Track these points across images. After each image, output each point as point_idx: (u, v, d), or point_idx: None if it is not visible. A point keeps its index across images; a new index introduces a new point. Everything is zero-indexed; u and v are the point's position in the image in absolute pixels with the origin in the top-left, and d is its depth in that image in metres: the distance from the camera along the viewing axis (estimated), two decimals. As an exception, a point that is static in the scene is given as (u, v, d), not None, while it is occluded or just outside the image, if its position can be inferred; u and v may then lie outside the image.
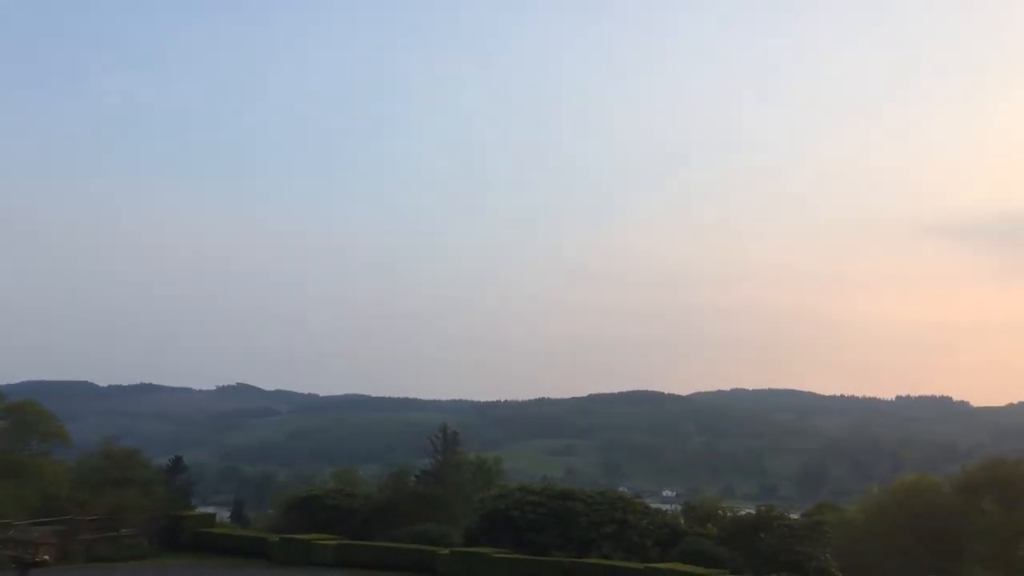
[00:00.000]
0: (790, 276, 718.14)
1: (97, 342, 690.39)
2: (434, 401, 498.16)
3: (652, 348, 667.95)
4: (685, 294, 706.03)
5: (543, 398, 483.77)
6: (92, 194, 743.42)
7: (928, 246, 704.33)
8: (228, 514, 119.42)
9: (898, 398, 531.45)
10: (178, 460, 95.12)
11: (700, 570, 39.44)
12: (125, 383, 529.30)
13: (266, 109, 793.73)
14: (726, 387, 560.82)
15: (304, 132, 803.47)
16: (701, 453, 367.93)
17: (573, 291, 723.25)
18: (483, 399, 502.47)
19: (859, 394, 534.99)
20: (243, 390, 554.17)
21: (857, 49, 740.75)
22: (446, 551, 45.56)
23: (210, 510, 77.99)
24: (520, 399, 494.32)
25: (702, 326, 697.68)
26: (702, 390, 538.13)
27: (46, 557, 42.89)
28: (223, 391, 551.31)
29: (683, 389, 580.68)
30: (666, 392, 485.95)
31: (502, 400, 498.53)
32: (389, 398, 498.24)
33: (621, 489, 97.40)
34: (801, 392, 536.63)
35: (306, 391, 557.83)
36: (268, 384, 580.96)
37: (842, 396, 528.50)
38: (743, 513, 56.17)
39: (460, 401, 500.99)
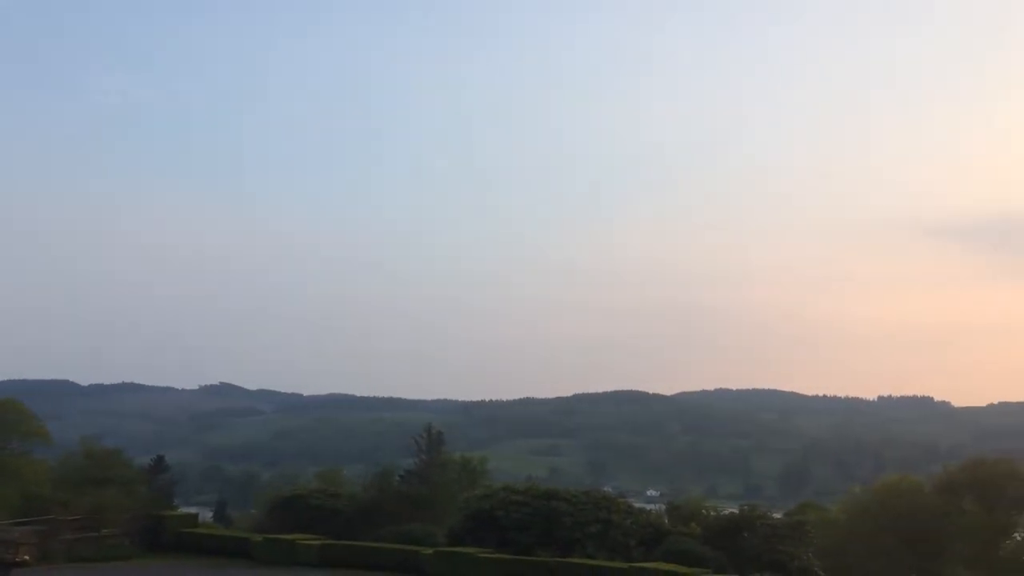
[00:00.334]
0: (774, 277, 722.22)
1: (80, 341, 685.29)
2: (419, 401, 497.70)
3: (637, 348, 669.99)
4: (670, 294, 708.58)
5: (528, 398, 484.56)
6: (83, 194, 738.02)
7: (910, 248, 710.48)
8: (211, 514, 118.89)
9: (880, 398, 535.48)
10: (160, 460, 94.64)
11: (684, 569, 39.61)
12: (107, 382, 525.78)
13: (262, 109, 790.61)
14: (710, 387, 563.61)
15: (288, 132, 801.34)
16: (685, 453, 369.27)
17: (559, 291, 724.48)
18: (468, 399, 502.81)
19: (842, 394, 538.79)
20: (226, 389, 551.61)
21: (855, 49, 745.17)
22: (430, 551, 45.54)
23: (193, 510, 77.62)
24: (505, 399, 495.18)
25: (687, 326, 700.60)
26: (686, 390, 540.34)
27: (26, 557, 42.62)
28: (206, 390, 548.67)
29: (668, 389, 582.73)
30: (651, 392, 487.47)
31: (487, 400, 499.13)
32: (373, 397, 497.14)
33: (606, 489, 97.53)
34: (784, 392, 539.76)
35: (290, 390, 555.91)
36: (251, 384, 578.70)
37: (825, 396, 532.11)
38: (727, 513, 56.43)
39: (445, 401, 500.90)
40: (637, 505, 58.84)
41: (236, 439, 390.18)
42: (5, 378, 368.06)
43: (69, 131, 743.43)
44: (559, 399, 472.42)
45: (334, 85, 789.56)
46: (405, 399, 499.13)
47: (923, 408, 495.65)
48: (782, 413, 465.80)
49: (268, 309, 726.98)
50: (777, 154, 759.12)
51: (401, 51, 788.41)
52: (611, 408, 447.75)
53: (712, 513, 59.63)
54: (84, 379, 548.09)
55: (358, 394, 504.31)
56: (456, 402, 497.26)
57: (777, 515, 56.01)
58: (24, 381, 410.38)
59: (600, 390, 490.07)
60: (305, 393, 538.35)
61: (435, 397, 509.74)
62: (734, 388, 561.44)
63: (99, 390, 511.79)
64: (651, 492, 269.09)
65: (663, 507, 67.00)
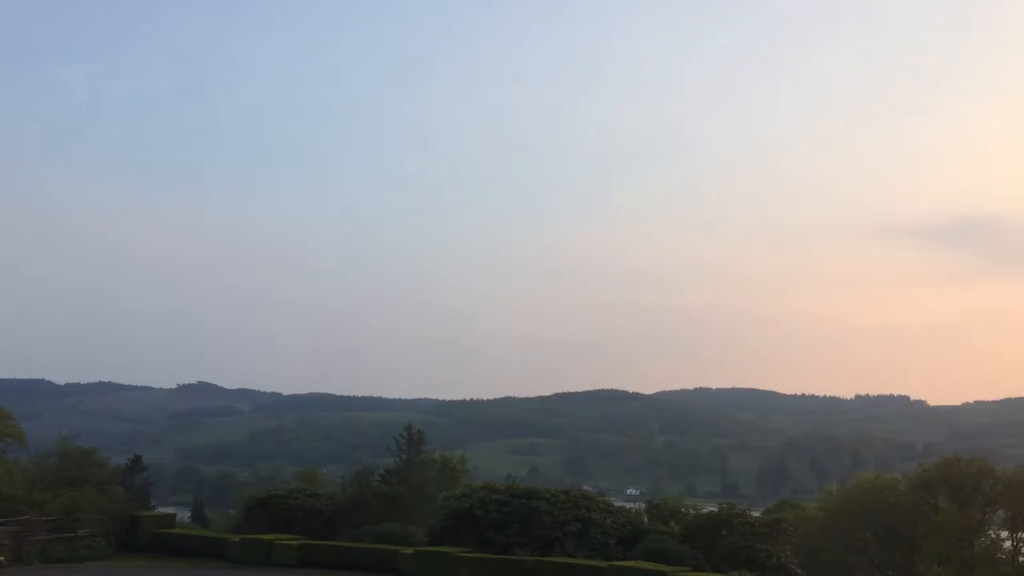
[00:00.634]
0: (752, 277, 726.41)
1: (56, 339, 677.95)
2: (399, 400, 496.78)
3: (617, 348, 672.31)
4: (650, 295, 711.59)
5: (508, 397, 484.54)
6: (55, 192, 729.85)
7: (887, 248, 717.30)
8: (188, 515, 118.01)
9: (857, 397, 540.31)
10: (137, 460, 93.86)
11: (662, 567, 39.77)
12: (84, 381, 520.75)
13: (239, 105, 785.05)
14: (690, 386, 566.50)
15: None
16: (665, 452, 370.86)
17: (539, 291, 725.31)
18: (448, 398, 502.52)
19: (819, 393, 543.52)
20: (204, 388, 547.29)
21: (821, 54, 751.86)
22: (409, 550, 45.45)
23: (170, 511, 76.97)
24: (485, 398, 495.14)
25: (666, 326, 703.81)
26: (666, 389, 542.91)
27: (0, 558, 42.10)
28: (184, 389, 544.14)
29: (647, 388, 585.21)
30: (631, 391, 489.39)
31: (467, 399, 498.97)
32: (353, 397, 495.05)
33: (585, 488, 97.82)
34: (763, 391, 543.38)
35: (269, 389, 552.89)
36: (230, 383, 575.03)
37: (803, 395, 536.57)
38: (705, 511, 56.70)
39: (425, 400, 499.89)
40: (616, 504, 58.95)
41: (214, 439, 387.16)
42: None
43: (28, 126, 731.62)
44: (539, 398, 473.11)
45: (298, 82, 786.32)
46: (385, 398, 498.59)
47: (899, 407, 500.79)
48: (760, 412, 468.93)
49: (247, 308, 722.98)
50: (758, 158, 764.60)
51: (377, 45, 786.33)
52: (591, 407, 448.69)
53: (691, 512, 59.93)
54: (60, 378, 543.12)
55: (338, 393, 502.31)
56: (436, 401, 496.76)
57: (755, 513, 56.39)
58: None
59: (580, 389, 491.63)
60: (284, 392, 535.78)
61: (415, 396, 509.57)
62: (713, 387, 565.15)
63: (75, 389, 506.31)
64: (630, 491, 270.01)
65: (642, 506, 67.22)
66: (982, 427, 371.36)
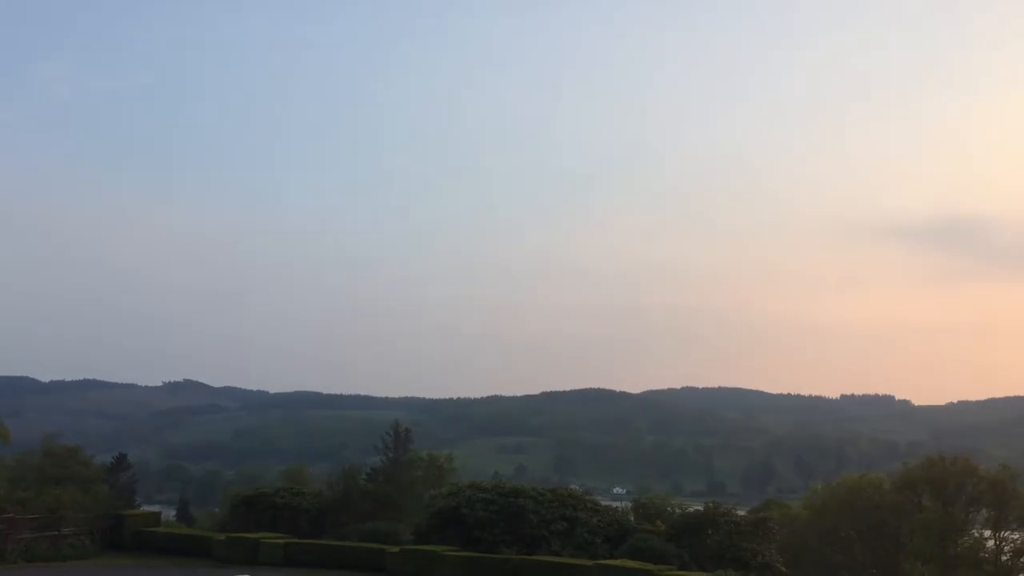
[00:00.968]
0: (739, 277, 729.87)
1: (40, 336, 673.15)
2: (386, 398, 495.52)
3: (604, 346, 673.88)
4: (638, 294, 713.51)
5: (495, 395, 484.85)
6: (38, 187, 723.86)
7: (872, 249, 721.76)
8: (174, 513, 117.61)
9: (842, 396, 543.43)
10: (122, 458, 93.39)
11: (648, 566, 39.83)
12: (68, 378, 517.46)
13: (220, 102, 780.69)
14: (677, 385, 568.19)
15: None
16: (651, 450, 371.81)
17: (527, 290, 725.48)
18: (435, 396, 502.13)
19: (805, 392, 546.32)
20: (190, 386, 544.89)
21: (804, 56, 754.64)
22: (396, 549, 45.36)
23: (155, 509, 76.61)
24: (472, 396, 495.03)
25: (654, 325, 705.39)
26: (653, 388, 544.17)
27: (-18, 557, 41.77)
28: (169, 387, 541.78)
29: (634, 387, 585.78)
30: (618, 390, 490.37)
31: (454, 398, 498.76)
32: (340, 395, 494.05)
33: (572, 486, 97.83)
34: (749, 390, 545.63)
35: (255, 388, 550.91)
36: (216, 380, 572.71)
37: (789, 394, 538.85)
38: (691, 510, 56.81)
39: (412, 398, 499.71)
40: (603, 503, 58.98)
41: (199, 437, 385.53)
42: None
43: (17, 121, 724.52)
44: (527, 397, 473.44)
45: (274, 81, 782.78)
46: (372, 396, 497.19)
47: (884, 406, 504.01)
48: (747, 411, 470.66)
49: (234, 305, 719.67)
50: (744, 157, 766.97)
51: (359, 44, 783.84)
52: (578, 406, 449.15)
53: (677, 510, 60.05)
54: (44, 375, 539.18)
55: (324, 391, 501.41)
56: (423, 400, 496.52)
57: (741, 512, 56.51)
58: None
59: (567, 388, 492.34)
60: (270, 390, 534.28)
61: (402, 395, 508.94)
62: (700, 386, 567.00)
63: (60, 387, 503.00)
64: (617, 490, 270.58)
65: (628, 504, 67.33)
66: (966, 427, 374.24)
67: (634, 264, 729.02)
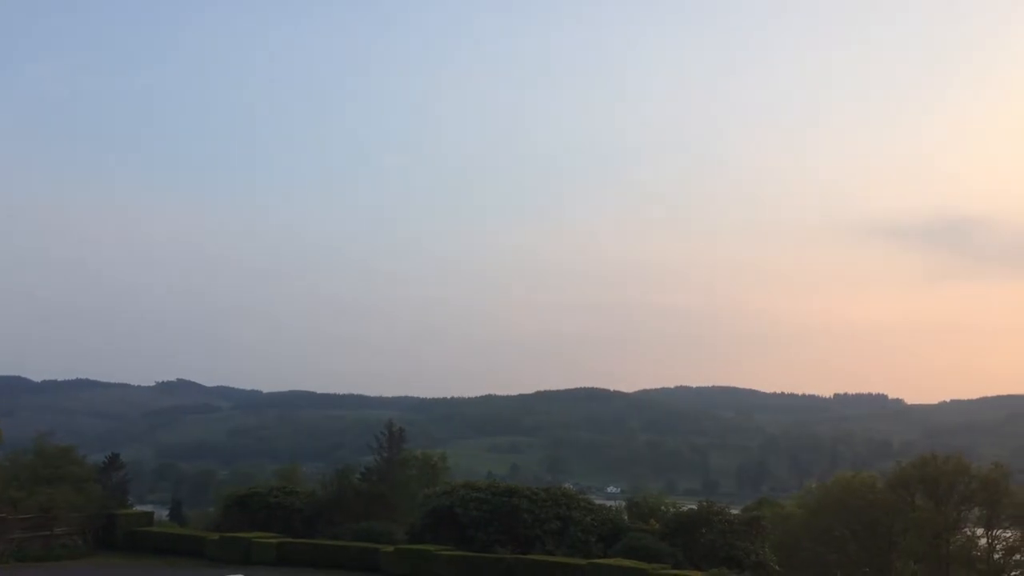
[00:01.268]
0: (734, 276, 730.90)
1: (33, 335, 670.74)
2: (380, 398, 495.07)
3: (598, 345, 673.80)
4: (631, 292, 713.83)
5: (489, 395, 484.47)
6: (30, 185, 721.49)
7: (865, 248, 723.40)
8: (167, 513, 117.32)
9: (836, 396, 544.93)
10: (115, 457, 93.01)
11: (642, 565, 39.89)
12: (61, 378, 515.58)
13: (211, 98, 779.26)
14: (671, 384, 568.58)
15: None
16: (645, 449, 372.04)
17: (520, 289, 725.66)
18: (429, 396, 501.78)
19: (799, 392, 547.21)
20: (183, 386, 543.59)
21: (805, 52, 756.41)
22: (390, 548, 45.33)
23: (148, 508, 76.45)
24: (467, 396, 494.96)
25: (648, 324, 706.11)
26: (647, 387, 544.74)
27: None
28: (162, 387, 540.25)
29: (628, 386, 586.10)
30: (612, 389, 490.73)
31: (448, 397, 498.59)
32: (334, 395, 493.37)
33: (566, 485, 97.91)
34: (743, 390, 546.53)
35: (249, 387, 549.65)
36: (209, 380, 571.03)
37: (783, 394, 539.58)
38: (685, 509, 56.88)
39: (406, 398, 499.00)
40: (597, 502, 59.08)
41: (192, 436, 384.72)
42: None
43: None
44: (520, 396, 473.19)
45: (269, 77, 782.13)
46: (366, 396, 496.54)
47: (877, 406, 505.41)
48: (741, 410, 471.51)
49: (227, 305, 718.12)
50: (736, 157, 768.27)
51: (351, 43, 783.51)
52: (572, 405, 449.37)
53: (670, 509, 60.13)
54: (37, 375, 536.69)
55: (318, 391, 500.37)
56: (417, 399, 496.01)
57: (734, 511, 56.61)
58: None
59: (561, 387, 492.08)
60: (264, 390, 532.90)
61: (396, 394, 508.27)
62: (694, 386, 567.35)
63: (52, 386, 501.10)
64: (611, 489, 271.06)
65: (622, 504, 67.41)
66: (958, 426, 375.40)
67: (627, 263, 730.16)
